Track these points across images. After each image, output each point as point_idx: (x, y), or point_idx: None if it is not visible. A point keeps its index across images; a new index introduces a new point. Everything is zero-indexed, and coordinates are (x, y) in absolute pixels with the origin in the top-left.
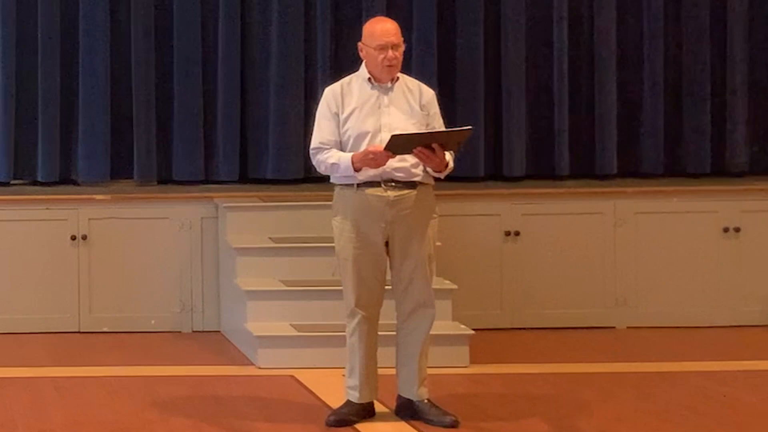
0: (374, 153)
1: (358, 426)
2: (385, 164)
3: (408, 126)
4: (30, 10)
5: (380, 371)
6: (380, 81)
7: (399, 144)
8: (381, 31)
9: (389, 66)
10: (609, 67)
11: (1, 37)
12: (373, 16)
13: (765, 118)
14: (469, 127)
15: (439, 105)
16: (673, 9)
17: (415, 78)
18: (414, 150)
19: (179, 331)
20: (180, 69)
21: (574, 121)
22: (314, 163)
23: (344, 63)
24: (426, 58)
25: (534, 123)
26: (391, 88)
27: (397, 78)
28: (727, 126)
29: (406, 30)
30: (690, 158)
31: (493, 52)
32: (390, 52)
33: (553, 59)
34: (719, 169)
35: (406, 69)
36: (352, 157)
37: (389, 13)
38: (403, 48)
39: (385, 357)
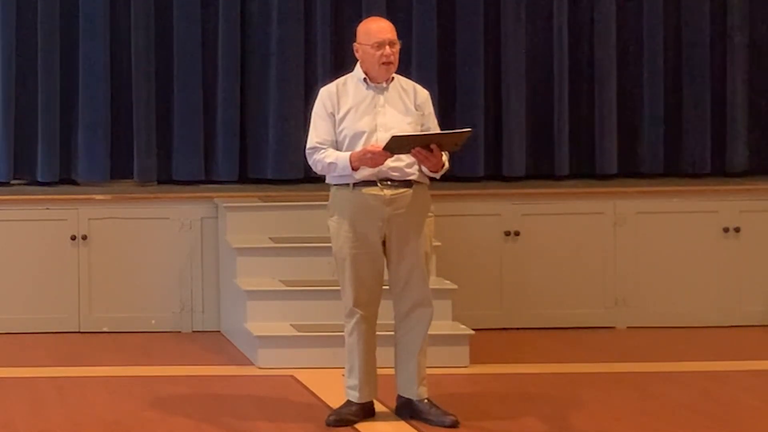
0: (373, 152)
1: (358, 426)
2: (383, 164)
3: (403, 126)
4: (30, 11)
5: (379, 371)
6: (376, 81)
7: (398, 144)
8: (377, 29)
9: (387, 63)
10: (609, 66)
11: (1, 38)
12: (374, 15)
13: (765, 118)
14: (469, 129)
15: (439, 105)
16: (673, 9)
17: (416, 78)
18: (412, 150)
19: (179, 331)
20: (180, 69)
21: (574, 122)
22: (310, 162)
23: (344, 63)
24: (426, 58)
25: (534, 123)
26: (387, 88)
27: (392, 78)
28: (727, 126)
29: (405, 30)
30: (690, 158)
31: (493, 52)
32: (387, 49)
33: (553, 59)
34: (719, 169)
35: (407, 69)
36: (350, 156)
37: (389, 13)
38: (398, 46)
39: (384, 357)
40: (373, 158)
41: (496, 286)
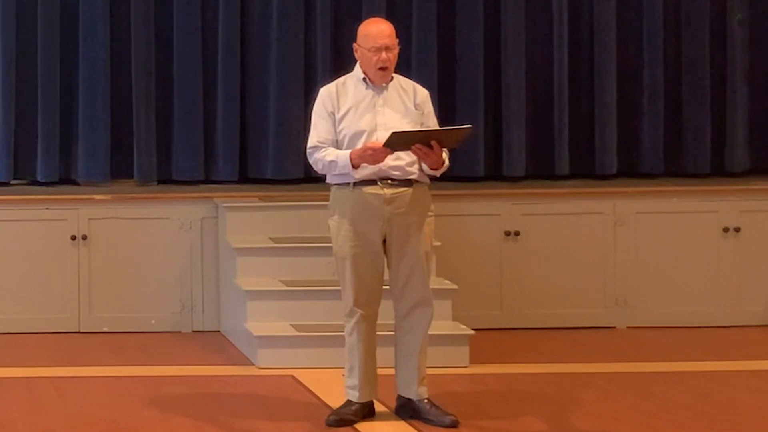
0: (373, 149)
1: (358, 426)
2: (383, 161)
3: (403, 125)
4: (30, 11)
5: (380, 371)
6: (374, 82)
7: (398, 141)
8: (376, 33)
9: (382, 68)
10: (609, 66)
11: (1, 38)
12: (373, 16)
13: (765, 118)
14: (469, 125)
15: (440, 105)
16: (673, 9)
17: (416, 78)
18: (412, 147)
19: (179, 331)
20: (180, 69)
21: (574, 121)
22: (311, 161)
23: (344, 63)
24: (426, 58)
25: (534, 123)
26: (386, 88)
27: (392, 78)
28: (727, 126)
29: (405, 30)
30: (690, 158)
31: (493, 52)
32: (384, 54)
33: (553, 59)
34: (719, 169)
35: (407, 69)
36: (350, 154)
37: (389, 14)
38: (397, 50)
39: (385, 357)
40: (373, 155)
41: (496, 286)
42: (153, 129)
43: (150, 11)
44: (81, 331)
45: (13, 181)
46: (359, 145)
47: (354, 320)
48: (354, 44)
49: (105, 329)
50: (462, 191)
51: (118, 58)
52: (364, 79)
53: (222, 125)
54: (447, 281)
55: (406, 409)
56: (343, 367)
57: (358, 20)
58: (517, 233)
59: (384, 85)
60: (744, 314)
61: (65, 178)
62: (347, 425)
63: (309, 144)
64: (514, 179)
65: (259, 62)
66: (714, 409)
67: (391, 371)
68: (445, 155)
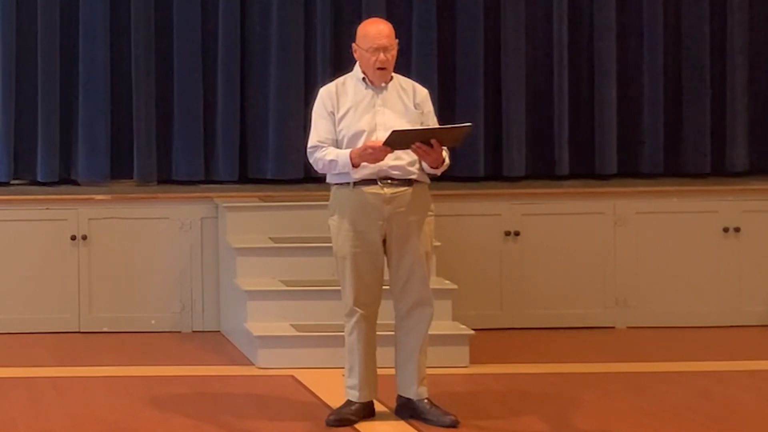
0: (373, 148)
1: (358, 426)
2: (383, 159)
3: (403, 125)
4: (30, 11)
5: (380, 371)
6: (373, 82)
7: (398, 139)
8: (374, 34)
9: (380, 69)
10: (609, 67)
11: (1, 37)
12: (373, 16)
13: (765, 118)
14: (469, 123)
15: (439, 105)
16: (673, 9)
17: (416, 78)
18: (412, 145)
19: (179, 331)
20: (180, 69)
21: (574, 121)
22: (311, 161)
23: (344, 63)
24: (426, 58)
25: (534, 123)
26: (386, 88)
27: (391, 77)
28: (727, 126)
29: (405, 30)
30: (690, 158)
31: (493, 52)
32: (382, 55)
33: (553, 59)
34: (719, 169)
35: (407, 68)
36: (350, 153)
37: (389, 13)
38: (396, 50)
39: (385, 357)
40: (373, 154)
41: (496, 286)
42: (153, 129)
43: (150, 11)
44: (81, 331)
45: (13, 181)
46: (359, 145)
47: (354, 320)
48: (353, 44)
49: (105, 329)
50: (462, 191)
51: (117, 58)
52: (363, 79)
53: (222, 125)
54: (447, 281)
55: (406, 409)
56: (343, 367)
57: (358, 20)
58: (517, 233)
59: (383, 84)
60: (744, 314)
61: (65, 178)
62: (347, 425)
63: (309, 144)
64: (514, 179)
65: (259, 62)
66: (714, 409)
67: (391, 371)
68: (445, 153)
